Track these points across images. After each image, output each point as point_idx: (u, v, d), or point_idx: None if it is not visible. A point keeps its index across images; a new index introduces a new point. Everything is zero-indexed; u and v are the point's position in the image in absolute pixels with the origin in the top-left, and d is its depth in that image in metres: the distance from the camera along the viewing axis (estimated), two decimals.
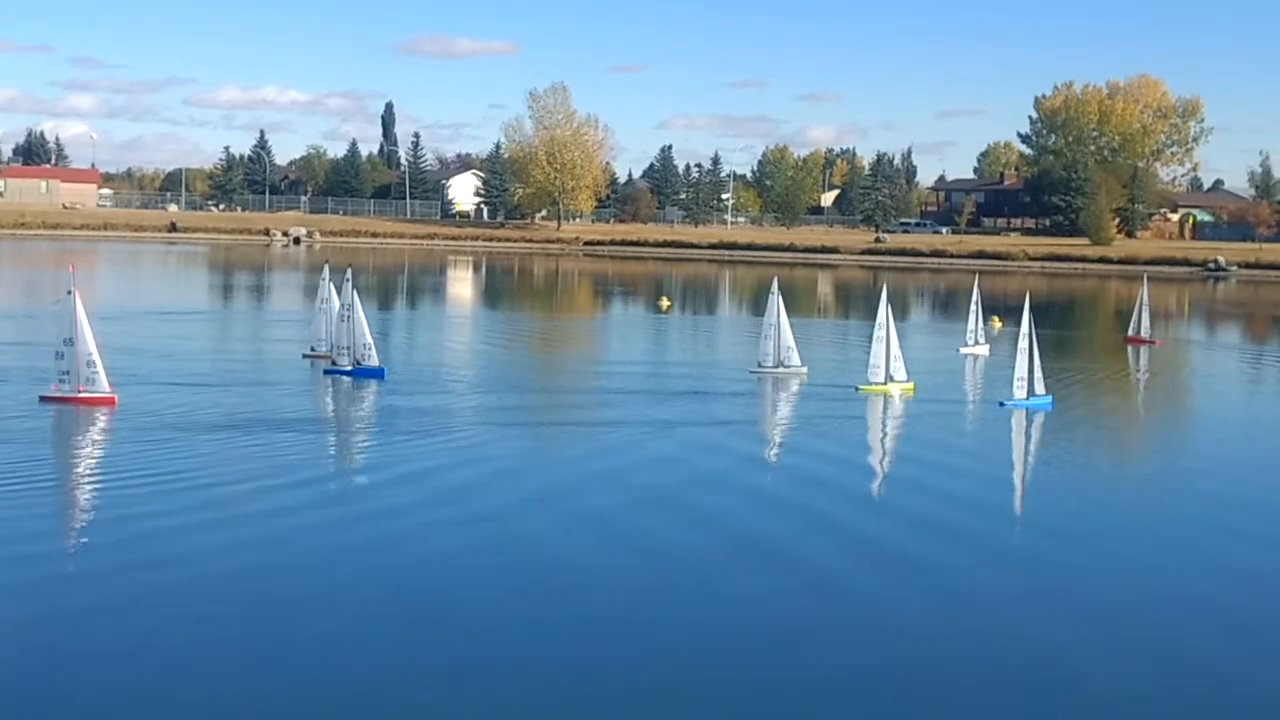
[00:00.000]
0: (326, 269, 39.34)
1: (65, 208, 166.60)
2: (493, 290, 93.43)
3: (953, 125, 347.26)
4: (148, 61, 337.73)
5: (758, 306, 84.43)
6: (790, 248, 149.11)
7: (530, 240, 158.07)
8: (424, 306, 73.08)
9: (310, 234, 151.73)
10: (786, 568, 18.12)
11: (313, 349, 39.46)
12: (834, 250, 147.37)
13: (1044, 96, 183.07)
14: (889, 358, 35.72)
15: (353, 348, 35.66)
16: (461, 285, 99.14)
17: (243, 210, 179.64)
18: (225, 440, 25.79)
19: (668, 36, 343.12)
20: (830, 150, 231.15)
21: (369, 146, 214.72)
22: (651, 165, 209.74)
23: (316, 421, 30.10)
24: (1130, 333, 54.35)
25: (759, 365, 38.68)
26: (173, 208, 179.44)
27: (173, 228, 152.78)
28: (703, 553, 18.80)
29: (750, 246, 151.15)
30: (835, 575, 17.86)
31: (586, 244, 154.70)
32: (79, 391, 28.75)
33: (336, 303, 37.07)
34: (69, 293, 28.59)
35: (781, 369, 38.27)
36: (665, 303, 72.10)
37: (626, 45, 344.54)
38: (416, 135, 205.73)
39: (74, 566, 17.24)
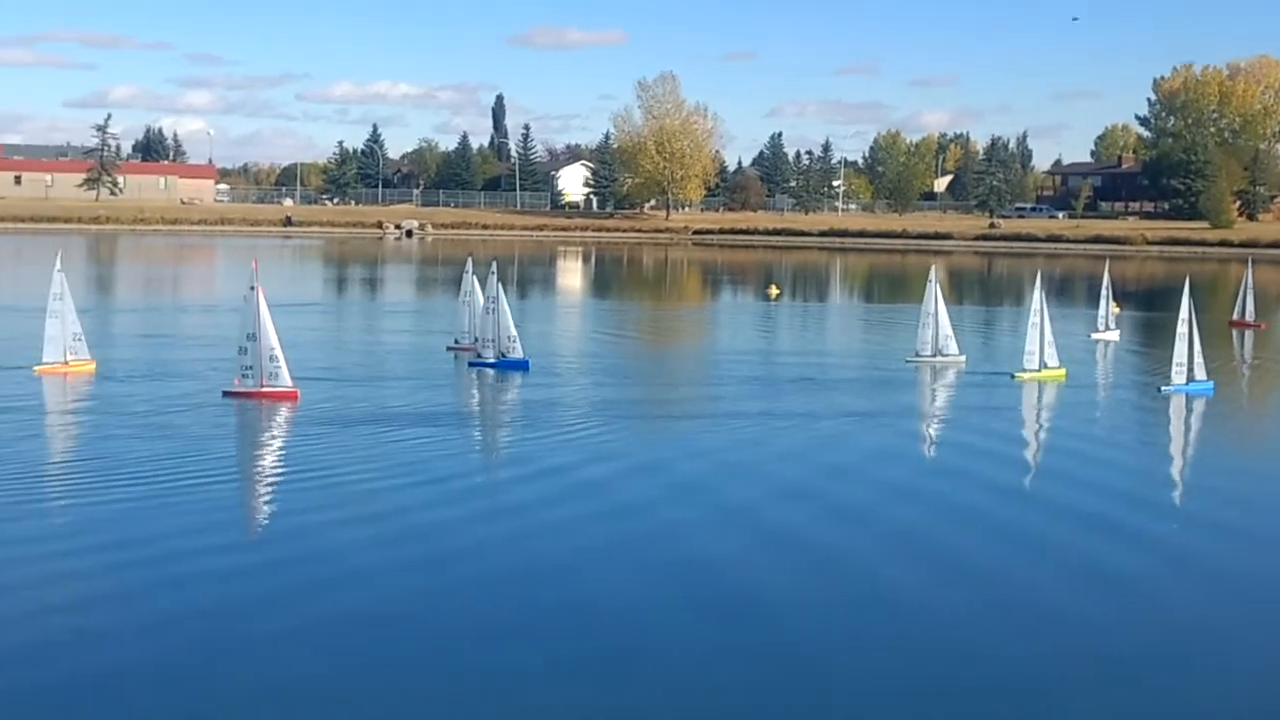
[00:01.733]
0: (470, 261, 39.30)
1: (183, 203, 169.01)
2: (607, 280, 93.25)
3: (1069, 108, 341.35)
4: (264, 58, 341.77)
5: (869, 294, 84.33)
6: (902, 234, 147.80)
7: (639, 230, 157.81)
8: (539, 297, 72.84)
9: (422, 226, 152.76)
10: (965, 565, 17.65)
11: (456, 341, 39.39)
12: (947, 236, 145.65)
13: (1162, 78, 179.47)
14: (1043, 344, 34.87)
15: (497, 340, 35.49)
16: (573, 276, 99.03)
17: (356, 204, 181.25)
18: (398, 435, 25.81)
19: (777, 24, 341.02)
20: (943, 135, 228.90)
21: (480, 139, 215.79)
22: (761, 153, 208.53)
23: (475, 416, 30.29)
24: (1235, 316, 53.07)
25: (915, 354, 37.95)
26: (288, 202, 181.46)
27: (288, 222, 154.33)
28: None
29: (861, 233, 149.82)
30: (1017, 576, 17.34)
31: (695, 233, 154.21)
32: (262, 386, 28.82)
33: (480, 296, 36.99)
34: (252, 288, 28.65)
35: (939, 358, 37.50)
36: (774, 290, 71.48)
37: (736, 33, 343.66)
38: (527, 127, 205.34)
39: (247, 557, 17.15)
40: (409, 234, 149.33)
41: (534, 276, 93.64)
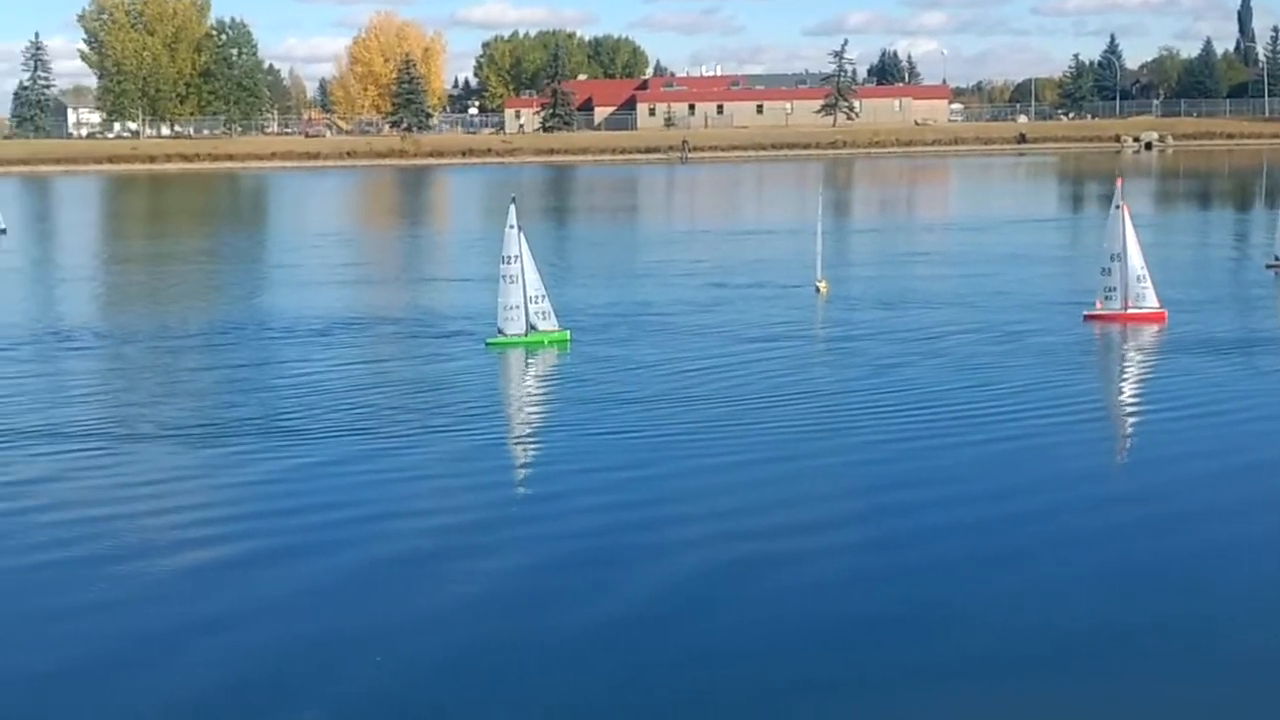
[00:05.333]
0: None
1: (916, 124, 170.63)
2: None
3: None
4: None
5: None
6: None
7: None
8: None
9: (1162, 139, 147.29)
10: None
11: (1277, 258, 37.61)
12: None
13: None
14: None
15: None
16: None
17: (1092, 118, 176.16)
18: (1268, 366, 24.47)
19: None
20: None
21: (1225, 44, 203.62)
22: None
23: None
24: None
25: None
26: (1021, 119, 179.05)
27: (1021, 139, 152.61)
28: None
29: None
30: None
31: None
32: (1126, 308, 28.32)
33: None
34: (1117, 207, 28.33)
35: None
36: None
37: None
38: (1276, 29, 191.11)
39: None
40: (1148, 146, 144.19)
41: None
